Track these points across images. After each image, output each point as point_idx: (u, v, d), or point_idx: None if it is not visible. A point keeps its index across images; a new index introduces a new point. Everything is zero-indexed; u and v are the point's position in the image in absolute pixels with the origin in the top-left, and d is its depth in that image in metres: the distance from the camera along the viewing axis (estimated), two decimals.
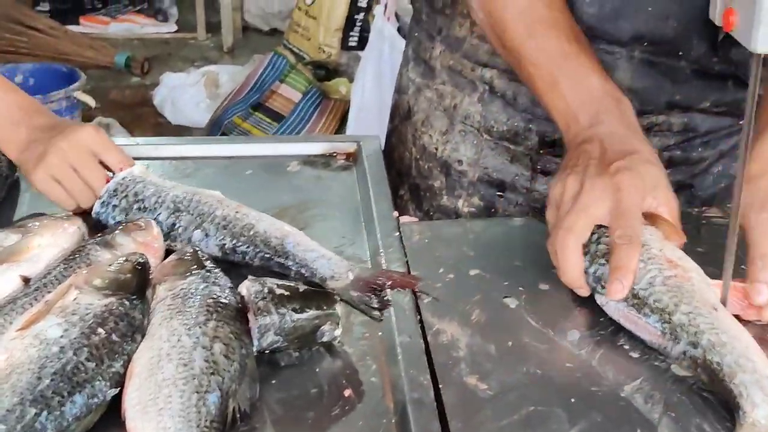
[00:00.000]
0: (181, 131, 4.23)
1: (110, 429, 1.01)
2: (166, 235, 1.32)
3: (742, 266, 1.18)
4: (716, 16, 1.05)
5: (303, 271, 1.27)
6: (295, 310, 1.12)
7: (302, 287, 1.15)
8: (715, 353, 1.06)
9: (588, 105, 1.28)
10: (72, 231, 1.27)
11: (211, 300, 1.12)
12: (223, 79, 4.29)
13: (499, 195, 1.55)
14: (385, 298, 1.22)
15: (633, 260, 1.14)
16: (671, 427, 1.03)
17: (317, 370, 1.11)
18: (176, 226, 1.33)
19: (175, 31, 5.43)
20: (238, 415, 1.02)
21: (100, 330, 1.06)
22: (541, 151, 1.51)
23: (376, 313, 1.21)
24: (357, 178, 1.50)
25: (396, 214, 1.38)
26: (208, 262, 1.20)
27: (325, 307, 1.14)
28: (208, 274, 1.17)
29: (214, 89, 4.24)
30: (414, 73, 1.64)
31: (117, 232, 1.25)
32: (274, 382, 1.09)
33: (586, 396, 1.07)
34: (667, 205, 1.20)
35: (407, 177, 1.65)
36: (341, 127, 3.77)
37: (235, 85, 4.07)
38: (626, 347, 1.15)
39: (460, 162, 1.56)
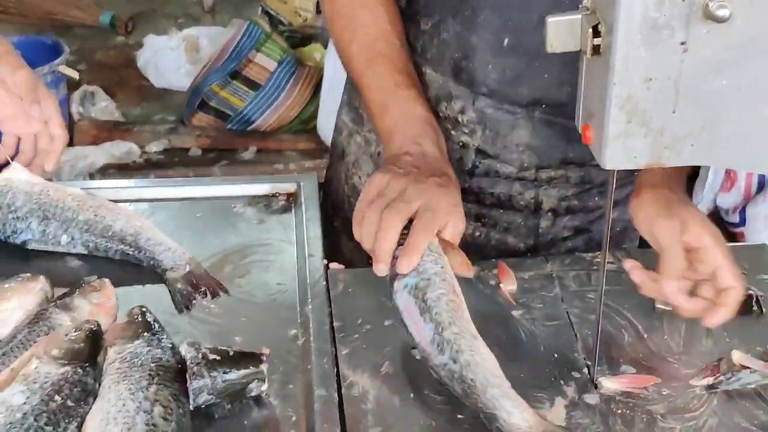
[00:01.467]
0: (164, 94, 4.37)
1: None
2: (38, 241, 1.57)
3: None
4: (578, 126, 1.21)
5: (152, 263, 1.55)
6: (225, 372, 1.30)
7: (232, 351, 1.33)
8: (470, 371, 1.25)
9: (411, 128, 1.49)
10: (37, 291, 1.44)
11: (153, 364, 1.29)
12: (203, 42, 4.41)
13: None
14: (192, 301, 1.49)
15: (423, 243, 1.33)
16: None
17: (245, 422, 1.30)
18: (46, 232, 1.58)
19: None
20: None
21: (56, 397, 1.24)
22: None
23: (180, 306, 1.48)
24: (295, 221, 1.67)
25: (325, 262, 1.56)
26: (155, 323, 1.37)
27: (251, 367, 1.32)
28: (152, 337, 1.34)
29: (195, 54, 4.37)
30: (347, 117, 1.80)
31: (75, 295, 1.43)
32: None
33: None
34: (455, 228, 1.38)
35: (341, 210, 1.82)
36: (315, 95, 3.91)
37: (215, 50, 4.19)
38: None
39: None
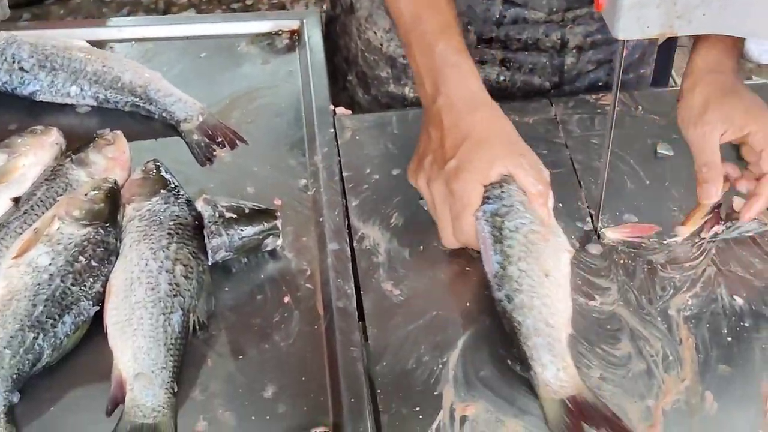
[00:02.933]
0: None
1: (93, 338, 1.26)
2: (47, 92, 1.58)
3: None
4: None
5: (164, 114, 1.56)
6: (241, 229, 1.35)
7: (247, 208, 1.37)
8: (520, 313, 1.21)
9: (461, 105, 1.34)
10: (51, 144, 1.46)
11: (171, 222, 1.34)
12: None
13: None
14: (213, 153, 1.51)
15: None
16: None
17: (262, 276, 1.35)
18: (54, 83, 1.58)
19: None
20: (197, 327, 1.27)
21: (81, 257, 1.28)
22: (478, 47, 1.66)
23: (201, 159, 1.50)
24: (300, 63, 1.67)
25: (332, 107, 1.57)
26: (171, 178, 1.41)
27: (266, 223, 1.36)
28: (169, 194, 1.38)
29: None
30: None
31: (90, 149, 1.45)
32: (227, 289, 1.34)
33: (480, 300, 1.32)
34: (518, 168, 1.30)
35: (354, 65, 1.79)
36: None
37: None
38: None
39: (404, 57, 1.68)
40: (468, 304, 1.31)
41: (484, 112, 1.33)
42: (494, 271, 1.25)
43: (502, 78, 1.69)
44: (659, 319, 1.30)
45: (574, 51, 1.67)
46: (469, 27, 1.63)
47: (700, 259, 1.37)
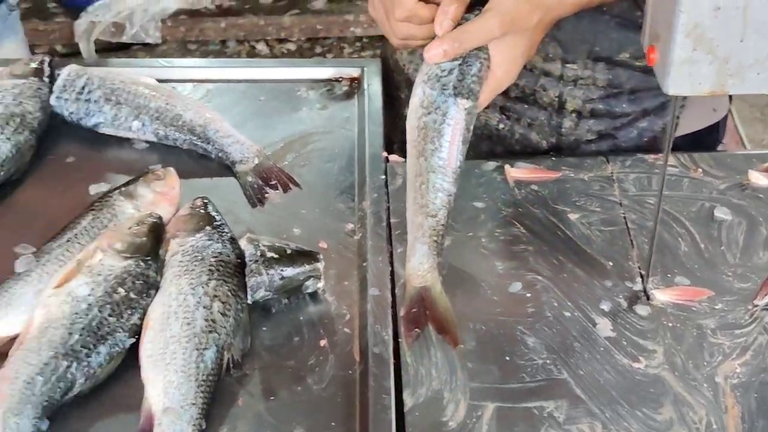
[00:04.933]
0: None
1: (128, 370, 1.26)
2: (110, 125, 1.60)
3: None
4: (644, 46, 1.19)
5: (221, 155, 1.57)
6: (282, 270, 1.34)
7: (290, 249, 1.36)
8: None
9: None
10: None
11: (213, 259, 1.33)
12: None
13: None
14: (265, 195, 1.51)
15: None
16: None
17: (301, 318, 1.34)
18: (118, 116, 1.60)
19: None
20: (231, 365, 1.26)
21: (120, 289, 1.29)
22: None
23: (253, 200, 1.51)
24: (357, 109, 1.67)
25: (384, 154, 1.56)
26: (217, 215, 1.41)
27: (308, 265, 1.35)
28: (214, 231, 1.38)
29: None
30: None
31: (139, 183, 1.46)
32: (264, 329, 1.33)
33: (520, 354, 1.29)
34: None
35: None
36: None
37: None
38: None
39: None
40: (507, 358, 1.28)
41: None
42: None
43: (501, 126, 1.68)
44: (705, 385, 1.25)
45: (573, 115, 1.65)
46: None
47: (752, 326, 1.32)
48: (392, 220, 1.46)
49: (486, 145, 1.69)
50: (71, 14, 3.50)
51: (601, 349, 1.29)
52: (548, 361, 1.27)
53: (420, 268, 1.28)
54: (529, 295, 1.36)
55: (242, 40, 3.67)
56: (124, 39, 3.74)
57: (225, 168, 1.57)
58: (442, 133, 1.30)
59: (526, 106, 1.66)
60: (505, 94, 1.64)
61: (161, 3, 3.79)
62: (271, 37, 3.66)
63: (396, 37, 1.39)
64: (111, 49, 3.88)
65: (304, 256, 1.36)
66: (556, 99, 1.63)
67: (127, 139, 1.62)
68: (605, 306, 1.34)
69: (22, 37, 2.15)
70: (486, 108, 1.59)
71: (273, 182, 1.53)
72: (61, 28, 3.45)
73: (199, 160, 1.59)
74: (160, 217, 1.39)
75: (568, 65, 1.60)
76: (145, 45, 3.54)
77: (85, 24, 3.67)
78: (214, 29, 3.66)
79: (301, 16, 3.70)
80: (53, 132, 1.62)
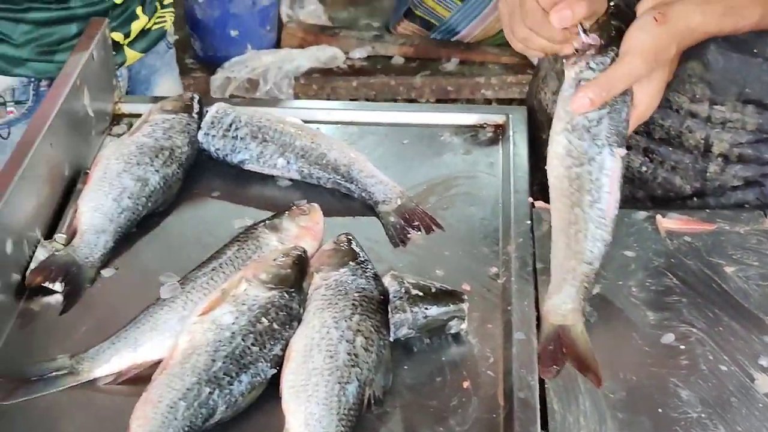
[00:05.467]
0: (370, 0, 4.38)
1: (269, 401, 1.24)
2: (255, 162, 1.61)
3: None
4: None
5: (363, 194, 1.56)
6: (426, 308, 1.32)
7: (435, 288, 1.34)
8: None
9: None
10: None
11: (357, 294, 1.32)
12: None
13: None
14: (407, 236, 1.50)
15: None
16: None
17: (443, 359, 1.31)
18: (263, 154, 1.61)
19: None
20: (372, 401, 1.23)
21: (263, 319, 1.28)
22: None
23: (395, 240, 1.50)
24: (502, 155, 1.65)
25: (531, 200, 1.53)
26: (361, 252, 1.39)
27: (452, 305, 1.33)
28: (358, 266, 1.36)
29: None
30: None
31: (284, 216, 1.46)
32: (406, 367, 1.30)
33: (674, 407, 1.23)
34: None
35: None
36: None
37: None
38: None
39: None
40: (660, 410, 1.23)
41: None
42: None
43: (644, 169, 1.64)
44: None
45: (720, 159, 1.58)
46: None
47: None
48: (538, 265, 1.43)
49: (627, 188, 1.64)
50: (207, 69, 3.59)
51: (760, 405, 1.23)
52: (703, 416, 1.22)
53: (562, 306, 1.25)
54: (682, 347, 1.31)
55: (372, 99, 3.69)
56: (258, 95, 3.81)
57: (367, 207, 1.56)
58: (600, 184, 1.26)
59: (670, 148, 1.61)
60: (649, 135, 1.61)
61: (295, 61, 3.88)
62: (402, 97, 3.67)
63: (515, 37, 1.36)
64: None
65: (449, 295, 1.34)
66: (702, 142, 1.58)
67: (271, 177, 1.62)
68: (764, 362, 1.28)
69: (176, 74, 2.20)
70: (629, 148, 1.57)
71: (415, 223, 1.52)
72: (197, 83, 3.52)
73: (341, 199, 1.58)
74: (304, 251, 1.38)
75: (716, 107, 1.55)
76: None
77: (220, 79, 3.76)
78: (346, 88, 3.69)
79: (432, 77, 3.70)
80: (199, 167, 1.64)
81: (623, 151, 1.27)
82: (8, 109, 1.92)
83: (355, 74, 3.75)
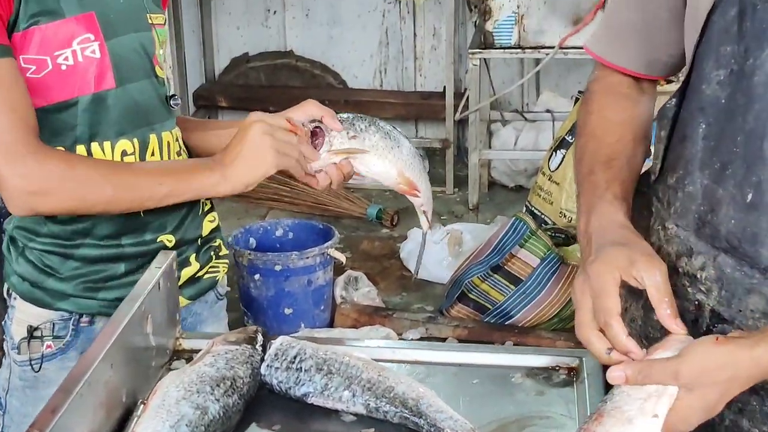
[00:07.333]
0: (424, 285, 4.41)
1: None
2: (319, 395, 1.55)
3: None
4: None
5: (432, 430, 1.48)
6: None
7: None
8: None
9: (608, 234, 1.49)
10: None
11: None
12: (466, 237, 4.46)
13: None
14: None
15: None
16: None
17: None
18: (328, 386, 1.54)
19: None
20: None
21: None
22: None
23: None
24: (577, 396, 1.58)
25: None
26: None
27: None
28: None
29: (457, 248, 4.41)
30: None
31: None
32: None
33: None
34: (648, 272, 1.39)
35: None
36: None
37: (477, 245, 4.22)
38: None
39: None
40: None
41: (627, 232, 1.48)
42: None
43: None
44: None
45: None
46: None
47: None
48: None
49: None
50: None
51: None
52: None
53: None
54: None
55: None
56: None
57: None
58: None
59: None
60: None
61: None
62: None
63: (578, 333, 1.43)
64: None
65: None
66: None
67: (335, 411, 1.55)
68: None
69: (225, 325, 2.16)
70: None
71: None
72: None
73: None
74: None
75: None
76: None
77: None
78: None
79: None
80: (260, 401, 1.58)
81: None
82: (47, 342, 1.88)
83: None
